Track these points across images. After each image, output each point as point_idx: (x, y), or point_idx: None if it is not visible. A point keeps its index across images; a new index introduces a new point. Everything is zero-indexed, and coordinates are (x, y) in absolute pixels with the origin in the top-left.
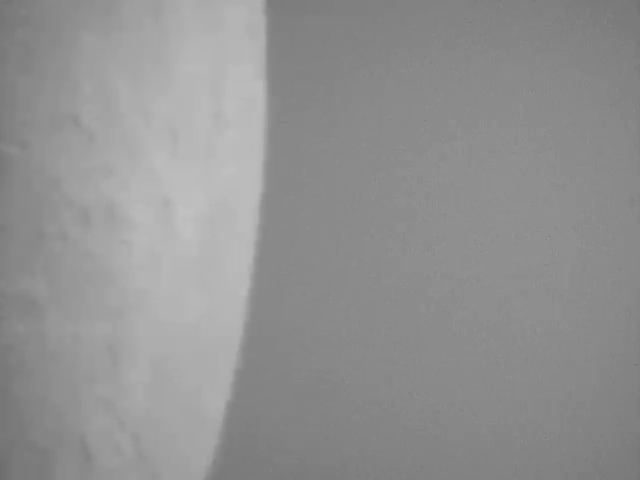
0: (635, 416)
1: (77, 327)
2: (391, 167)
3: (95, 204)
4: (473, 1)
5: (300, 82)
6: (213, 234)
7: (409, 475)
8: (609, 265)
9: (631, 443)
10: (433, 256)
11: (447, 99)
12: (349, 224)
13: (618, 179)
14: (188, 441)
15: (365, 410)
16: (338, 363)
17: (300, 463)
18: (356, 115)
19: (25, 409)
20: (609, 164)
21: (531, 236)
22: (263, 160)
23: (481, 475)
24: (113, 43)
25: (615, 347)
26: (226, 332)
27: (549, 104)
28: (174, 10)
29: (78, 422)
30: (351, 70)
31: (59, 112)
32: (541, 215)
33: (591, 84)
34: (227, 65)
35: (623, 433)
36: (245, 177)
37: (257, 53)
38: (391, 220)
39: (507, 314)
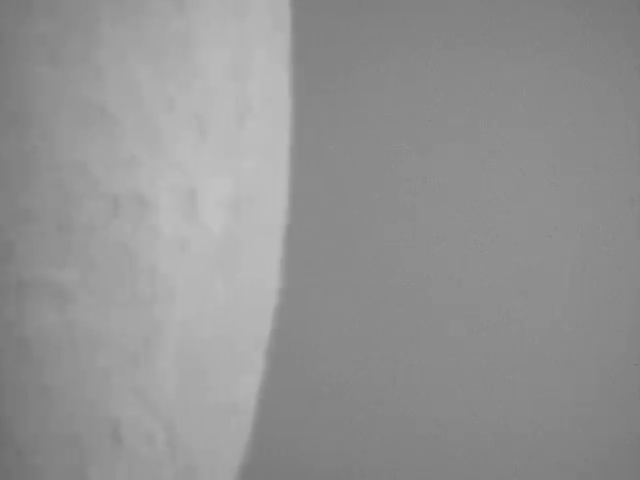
0: (635, 416)
1: (106, 316)
2: (420, 155)
3: (122, 193)
4: (476, 1)
5: (325, 71)
6: (239, 222)
7: (421, 475)
8: (609, 265)
9: (631, 443)
10: (434, 254)
11: (459, 98)
12: (375, 213)
13: (618, 179)
14: (220, 429)
15: (395, 400)
16: (367, 351)
17: (331, 450)
18: (383, 103)
19: (56, 398)
20: (609, 164)
21: (531, 236)
22: (289, 149)
23: (485, 476)
24: (137, 32)
25: (615, 347)
26: (253, 320)
27: (549, 104)
28: None
29: (110, 411)
30: (377, 58)
31: (85, 102)
32: (541, 215)
33: (591, 84)
34: (251, 53)
35: (623, 433)
36: (271, 165)
37: (281, 41)
38: (417, 210)
39: (509, 314)
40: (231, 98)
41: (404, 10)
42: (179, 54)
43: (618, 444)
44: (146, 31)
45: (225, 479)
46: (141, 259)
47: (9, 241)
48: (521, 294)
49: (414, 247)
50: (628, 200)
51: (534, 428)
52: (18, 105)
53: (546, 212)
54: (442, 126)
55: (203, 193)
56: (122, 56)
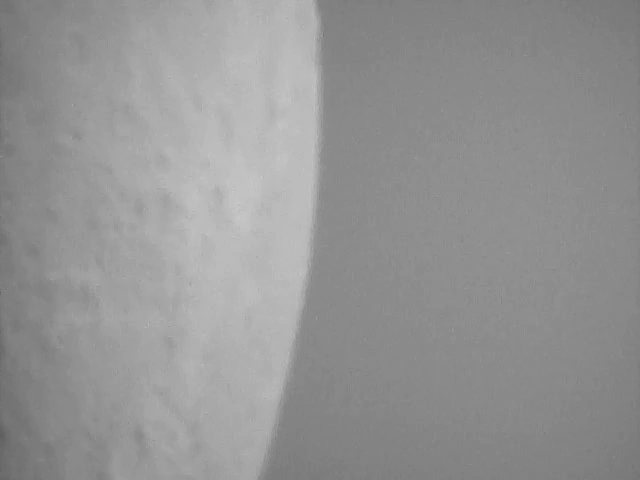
0: (635, 416)
1: (131, 317)
2: (448, 153)
3: (149, 193)
4: (478, 1)
5: (353, 68)
6: (267, 223)
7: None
8: (609, 265)
9: (631, 443)
10: (457, 253)
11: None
12: (403, 211)
13: (618, 179)
14: (243, 431)
15: (422, 401)
16: (395, 352)
17: (355, 452)
18: (412, 101)
19: (80, 399)
20: (609, 164)
21: (532, 236)
22: (317, 147)
23: (487, 476)
24: (166, 32)
25: (615, 347)
26: (281, 321)
27: (550, 104)
28: None
29: (134, 412)
30: (405, 55)
31: (112, 101)
32: (541, 215)
33: (591, 84)
34: (279, 53)
35: (623, 433)
36: (299, 165)
37: (309, 40)
38: (445, 208)
39: (509, 315)
40: (259, 97)
41: (434, 6)
42: (207, 53)
43: (618, 444)
44: (175, 30)
45: (248, 478)
46: (167, 260)
47: (34, 241)
48: (521, 294)
49: (442, 243)
50: (628, 200)
51: (539, 430)
52: (46, 104)
53: (546, 212)
54: (462, 126)
55: (231, 193)
56: (150, 55)
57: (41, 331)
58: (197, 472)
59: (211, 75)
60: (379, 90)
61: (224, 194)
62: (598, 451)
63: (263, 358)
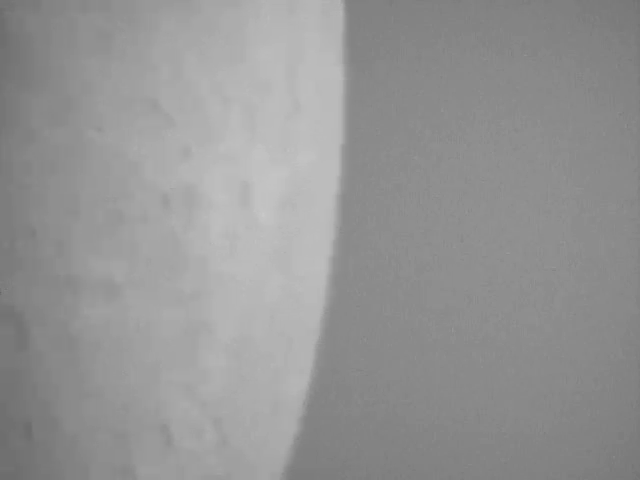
0: (635, 416)
1: (155, 311)
2: (472, 149)
3: (173, 187)
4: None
5: (377, 65)
6: (291, 218)
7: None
8: (609, 265)
9: (631, 443)
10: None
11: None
12: (428, 206)
13: (618, 179)
14: (268, 425)
15: (447, 395)
16: (419, 346)
17: (379, 447)
18: (435, 98)
19: (104, 394)
20: (609, 164)
21: (532, 237)
22: (341, 144)
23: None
24: (190, 26)
25: (615, 347)
26: (305, 316)
27: (550, 104)
28: None
29: (157, 406)
30: (429, 53)
31: (137, 95)
32: (541, 215)
33: (591, 84)
34: (303, 48)
35: (623, 433)
36: (322, 161)
37: (333, 36)
38: (467, 204)
39: (510, 315)
40: (283, 92)
41: (456, 5)
42: (232, 48)
43: (618, 444)
44: (199, 25)
45: (272, 475)
46: (191, 254)
47: (59, 235)
48: (521, 294)
49: (465, 239)
50: (628, 200)
51: (541, 431)
52: (70, 98)
53: (546, 212)
54: (487, 123)
55: (255, 188)
56: (175, 50)
57: (66, 325)
58: (221, 466)
59: (235, 70)
60: (403, 87)
61: (248, 189)
62: (598, 451)
63: (287, 353)
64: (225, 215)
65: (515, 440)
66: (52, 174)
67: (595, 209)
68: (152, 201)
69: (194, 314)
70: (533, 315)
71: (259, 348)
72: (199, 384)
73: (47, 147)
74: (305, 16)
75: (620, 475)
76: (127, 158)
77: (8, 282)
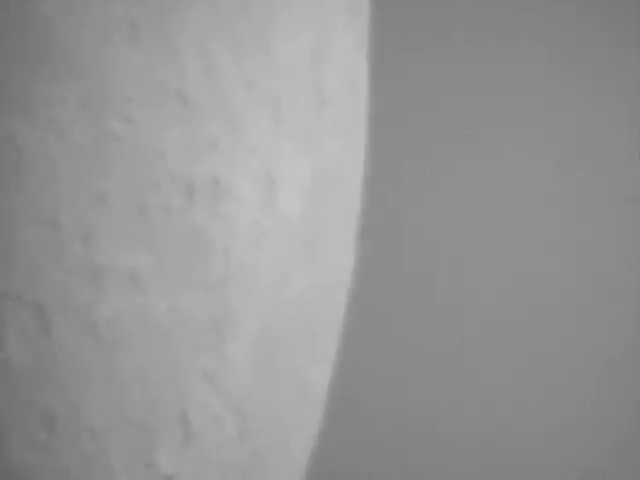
0: (635, 416)
1: (179, 301)
2: (494, 146)
3: (199, 178)
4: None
5: (402, 56)
6: (316, 210)
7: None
8: (609, 265)
9: (631, 443)
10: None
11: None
12: (452, 199)
13: (618, 179)
14: (291, 417)
15: (471, 388)
16: (443, 339)
17: (404, 436)
18: (461, 89)
19: (127, 384)
20: (609, 164)
21: (531, 237)
22: (366, 134)
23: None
24: (217, 15)
25: (615, 347)
26: (330, 307)
27: (550, 104)
28: None
29: (180, 396)
30: (454, 44)
31: (164, 86)
32: (541, 215)
33: (591, 84)
34: (329, 39)
35: (624, 433)
36: (348, 151)
37: (359, 28)
38: (489, 199)
39: (510, 315)
40: (310, 82)
41: None
42: (258, 38)
43: (618, 444)
44: (226, 14)
45: (295, 466)
46: (216, 244)
47: (84, 226)
48: (521, 294)
49: (489, 234)
50: (628, 200)
51: (543, 434)
52: (96, 88)
53: (546, 212)
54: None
55: (280, 179)
56: (202, 39)
57: (89, 315)
58: (244, 458)
59: (262, 60)
60: (428, 78)
61: (274, 180)
62: (599, 451)
63: (312, 344)
64: (250, 206)
65: (528, 445)
66: (77, 165)
67: (595, 209)
68: (177, 192)
69: (218, 305)
70: (548, 323)
71: (283, 339)
72: (222, 375)
73: (73, 138)
74: (332, 7)
75: (620, 475)
76: (153, 148)
77: (33, 272)
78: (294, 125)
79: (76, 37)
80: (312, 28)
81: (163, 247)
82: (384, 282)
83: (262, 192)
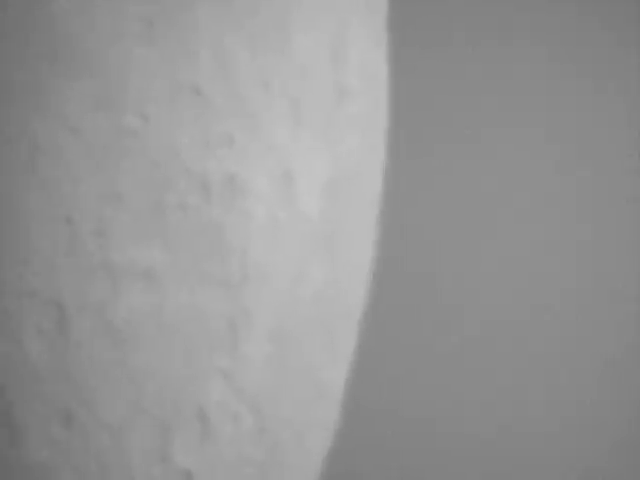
0: (635, 416)
1: (196, 298)
2: (516, 141)
3: (215, 175)
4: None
5: (421, 51)
6: (335, 206)
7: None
8: (609, 265)
9: (631, 443)
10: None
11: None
12: (472, 195)
13: (618, 179)
14: (308, 413)
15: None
16: (461, 335)
17: (422, 433)
18: (480, 82)
19: (144, 381)
20: (609, 164)
21: (532, 237)
22: (385, 130)
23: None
24: (233, 13)
25: (615, 347)
26: (347, 304)
27: (550, 104)
28: None
29: (197, 394)
30: (473, 38)
31: (179, 83)
32: (541, 215)
33: (591, 84)
34: (347, 34)
35: (624, 433)
36: (367, 148)
37: (377, 22)
38: (492, 198)
39: (509, 315)
40: (328, 80)
41: None
42: (275, 35)
43: (618, 444)
44: (242, 12)
45: (311, 464)
46: (233, 242)
47: (99, 223)
48: (521, 294)
49: (489, 234)
50: (628, 200)
51: (544, 436)
52: (112, 86)
53: (546, 213)
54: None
55: (298, 175)
56: (217, 37)
57: (105, 313)
58: (261, 454)
59: (279, 56)
60: (447, 72)
61: (291, 176)
62: (599, 451)
63: (329, 341)
64: (267, 203)
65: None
66: (93, 162)
67: (595, 209)
68: (194, 189)
69: (234, 302)
70: (548, 323)
71: (299, 336)
72: (239, 371)
73: (89, 135)
74: (349, 1)
75: (620, 475)
76: (168, 146)
77: (49, 270)
78: (312, 122)
79: (92, 35)
80: (330, 23)
81: (179, 245)
82: (402, 279)
83: (279, 189)
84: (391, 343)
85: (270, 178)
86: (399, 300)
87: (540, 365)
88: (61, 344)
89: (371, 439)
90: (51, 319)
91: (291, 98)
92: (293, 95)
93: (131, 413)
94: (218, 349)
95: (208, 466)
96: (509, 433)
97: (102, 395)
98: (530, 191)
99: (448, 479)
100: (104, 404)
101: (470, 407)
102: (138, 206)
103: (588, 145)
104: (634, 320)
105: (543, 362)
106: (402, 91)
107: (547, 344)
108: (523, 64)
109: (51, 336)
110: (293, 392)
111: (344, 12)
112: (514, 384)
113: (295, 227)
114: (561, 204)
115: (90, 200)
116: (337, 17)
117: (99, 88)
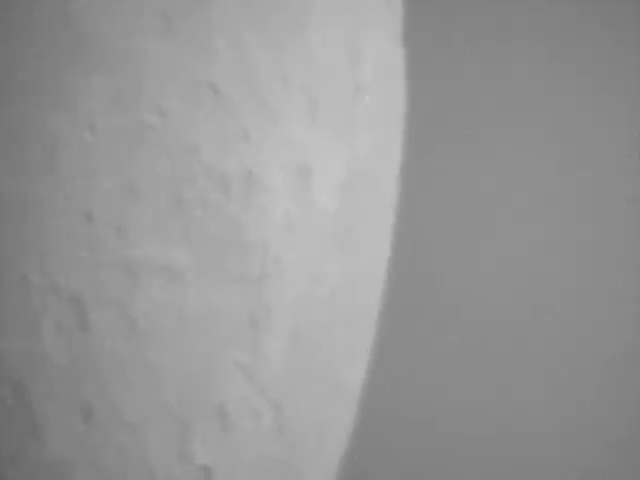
0: (636, 416)
1: (215, 294)
2: (533, 138)
3: (233, 171)
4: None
5: (438, 48)
6: (351, 202)
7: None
8: (609, 265)
9: (631, 443)
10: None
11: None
12: (490, 190)
13: (618, 179)
14: (327, 409)
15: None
16: (479, 333)
17: (440, 432)
18: (497, 81)
19: (163, 377)
20: (609, 164)
21: (532, 237)
22: (402, 128)
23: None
24: (250, 8)
25: (615, 346)
26: (364, 301)
27: (550, 104)
28: None
29: (217, 390)
30: (489, 34)
31: (197, 79)
32: (541, 215)
33: (591, 84)
34: (364, 30)
35: (624, 433)
36: (384, 145)
37: (394, 18)
38: (492, 198)
39: (509, 315)
40: (345, 77)
41: None
42: (293, 31)
43: (618, 444)
44: (260, 7)
45: (331, 458)
46: (251, 238)
47: (118, 219)
48: (521, 294)
49: (489, 233)
50: (628, 200)
51: (544, 435)
52: (130, 82)
53: (546, 213)
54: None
55: (315, 171)
56: (235, 32)
57: (125, 309)
58: (280, 450)
59: (296, 52)
60: (464, 69)
61: (308, 172)
62: (598, 451)
63: (347, 338)
64: (284, 199)
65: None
66: (111, 158)
67: (595, 209)
68: (212, 185)
69: (253, 298)
70: (548, 323)
71: (318, 333)
72: (258, 367)
73: (107, 130)
74: (368, 1)
75: (620, 475)
76: (187, 142)
77: (68, 266)
78: (329, 118)
79: (110, 31)
80: (347, 21)
81: (198, 240)
82: (420, 275)
83: (296, 185)
84: (409, 338)
85: (287, 174)
86: (416, 298)
87: (536, 365)
88: (81, 340)
89: (388, 437)
90: (71, 315)
91: (308, 95)
92: (310, 92)
93: (151, 409)
94: (238, 345)
95: (227, 463)
96: (509, 433)
97: (122, 391)
98: (526, 192)
99: (454, 478)
100: (124, 400)
101: (480, 406)
102: (157, 202)
103: (588, 145)
104: (634, 320)
105: (539, 362)
106: (418, 89)
107: (545, 344)
108: (522, 64)
109: (71, 332)
110: (312, 388)
111: (361, 10)
112: (515, 383)
113: (312, 224)
114: (561, 204)
115: (109, 196)
116: (354, 15)
117: (117, 84)
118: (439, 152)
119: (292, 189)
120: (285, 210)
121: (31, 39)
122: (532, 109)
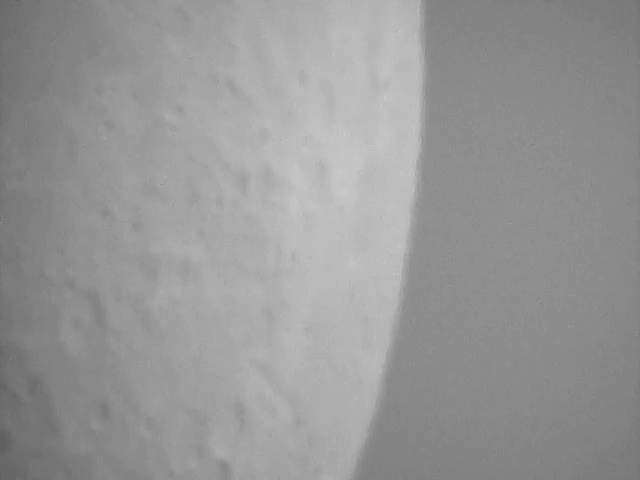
0: (636, 416)
1: (232, 290)
2: (549, 135)
3: (251, 168)
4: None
5: (455, 43)
6: (369, 197)
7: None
8: (609, 265)
9: (631, 443)
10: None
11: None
12: (507, 185)
13: (618, 179)
14: (345, 405)
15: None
16: (497, 327)
17: (459, 427)
18: (514, 77)
19: (181, 373)
20: (609, 164)
21: (532, 237)
22: (420, 122)
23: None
24: (269, 5)
25: (615, 346)
26: (382, 295)
27: (550, 104)
28: None
29: (234, 386)
30: (508, 28)
31: (215, 76)
32: (541, 215)
33: (591, 84)
34: (383, 25)
35: (624, 433)
36: (402, 139)
37: (412, 13)
38: (492, 198)
39: (509, 315)
40: (363, 70)
41: None
42: (311, 27)
43: (618, 444)
44: (278, 4)
45: (348, 454)
46: (269, 233)
47: (136, 215)
48: (521, 295)
49: (489, 233)
50: (628, 200)
51: (544, 433)
52: (148, 78)
53: (546, 213)
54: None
55: (333, 167)
56: (254, 29)
57: (143, 304)
58: (298, 446)
59: (315, 48)
60: (482, 65)
61: (326, 168)
62: (599, 451)
63: (365, 332)
64: (302, 194)
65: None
66: (129, 155)
67: (595, 209)
68: (230, 181)
69: (271, 294)
70: (548, 323)
71: (336, 327)
72: (275, 363)
73: (125, 127)
74: None
75: (620, 475)
76: (205, 138)
77: (86, 261)
78: (347, 112)
79: (128, 27)
80: (366, 15)
81: (216, 236)
82: (438, 270)
83: (314, 180)
84: (428, 332)
85: (305, 170)
86: (435, 289)
87: (536, 365)
88: (98, 336)
89: (407, 432)
90: (88, 311)
91: (326, 90)
92: (329, 87)
93: (168, 405)
94: (255, 340)
95: (245, 458)
96: (508, 432)
97: (139, 387)
98: (526, 192)
99: (473, 470)
100: (141, 396)
101: (511, 394)
102: (175, 198)
103: (588, 145)
104: (634, 320)
105: (539, 362)
106: (437, 82)
107: (545, 344)
108: (541, 57)
109: (88, 328)
110: (330, 383)
111: (380, 4)
112: (518, 382)
113: (330, 218)
114: (560, 204)
115: (127, 192)
116: (373, 9)
117: (136, 80)
118: (457, 146)
119: (310, 185)
120: (303, 206)
121: (50, 36)
122: (553, 100)
